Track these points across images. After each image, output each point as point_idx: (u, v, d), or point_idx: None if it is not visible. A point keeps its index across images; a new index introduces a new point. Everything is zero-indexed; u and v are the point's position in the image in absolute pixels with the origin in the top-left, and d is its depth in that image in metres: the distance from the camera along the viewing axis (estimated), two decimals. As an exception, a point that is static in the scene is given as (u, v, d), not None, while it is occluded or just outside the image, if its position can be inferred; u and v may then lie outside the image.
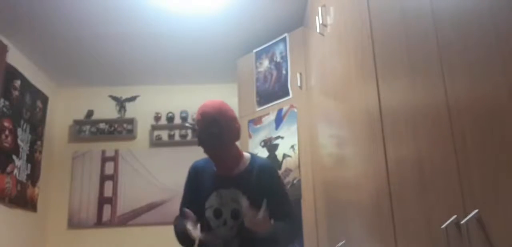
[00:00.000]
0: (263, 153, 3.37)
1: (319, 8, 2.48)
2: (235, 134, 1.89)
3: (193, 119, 4.51)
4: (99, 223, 4.26)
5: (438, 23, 1.02)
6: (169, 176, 4.27)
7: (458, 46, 0.93)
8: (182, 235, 1.80)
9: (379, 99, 1.50)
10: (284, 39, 3.50)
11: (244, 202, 1.79)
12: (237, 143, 1.95)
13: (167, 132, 4.53)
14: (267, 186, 1.86)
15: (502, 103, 0.76)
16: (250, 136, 3.52)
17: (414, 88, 1.19)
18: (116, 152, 4.46)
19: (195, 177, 1.96)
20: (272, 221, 1.80)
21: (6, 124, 3.56)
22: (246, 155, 1.98)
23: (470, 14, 0.87)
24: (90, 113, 4.54)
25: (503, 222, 0.77)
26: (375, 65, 1.53)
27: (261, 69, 3.63)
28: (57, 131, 4.48)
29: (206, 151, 1.89)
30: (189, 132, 4.47)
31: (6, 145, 3.55)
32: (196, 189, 1.93)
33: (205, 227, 1.86)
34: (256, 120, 3.52)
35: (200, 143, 1.86)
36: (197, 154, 2.05)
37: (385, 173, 1.45)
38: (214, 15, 3.43)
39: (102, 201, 4.32)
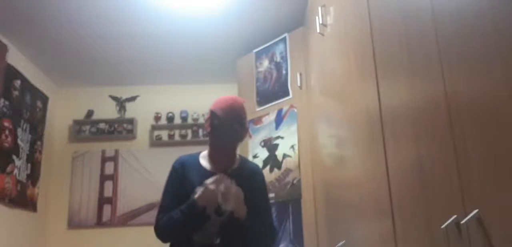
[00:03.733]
0: (263, 153, 3.37)
1: (319, 8, 2.48)
2: (246, 135, 1.90)
3: (195, 118, 4.51)
4: (99, 223, 4.26)
5: (438, 23, 1.02)
6: (169, 176, 4.25)
7: (458, 46, 0.93)
8: (190, 215, 1.70)
9: (379, 99, 1.50)
10: (284, 39, 3.50)
11: (233, 187, 1.73)
12: None
13: (167, 132, 4.53)
14: (257, 189, 1.87)
15: (502, 103, 0.76)
16: (250, 136, 3.52)
17: (414, 88, 1.19)
18: (116, 152, 4.45)
19: (182, 171, 1.85)
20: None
21: (6, 124, 3.56)
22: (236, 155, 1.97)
23: (470, 14, 0.87)
24: (90, 113, 4.54)
25: (503, 222, 0.77)
26: (375, 65, 1.53)
27: (261, 69, 3.63)
28: (57, 131, 4.48)
29: (221, 144, 1.83)
30: (189, 131, 4.47)
31: (6, 145, 3.55)
32: (182, 184, 1.81)
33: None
34: (256, 120, 3.52)
35: (220, 134, 1.79)
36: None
37: (385, 173, 1.44)
38: (214, 15, 3.43)
39: (102, 201, 4.31)
